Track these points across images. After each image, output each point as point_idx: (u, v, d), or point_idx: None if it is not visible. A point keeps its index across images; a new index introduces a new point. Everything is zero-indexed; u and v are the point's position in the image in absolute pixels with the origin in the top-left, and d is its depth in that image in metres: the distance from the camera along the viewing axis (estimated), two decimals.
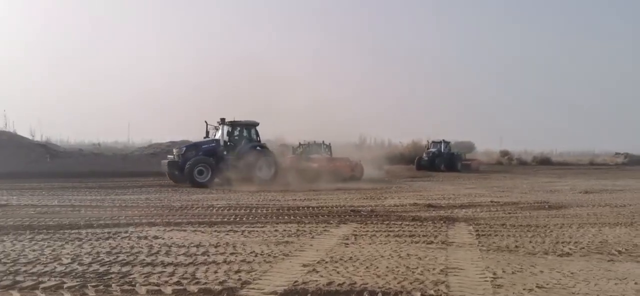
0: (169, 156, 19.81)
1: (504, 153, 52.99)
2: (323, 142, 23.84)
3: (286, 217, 9.61)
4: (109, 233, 7.49)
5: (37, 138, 26.86)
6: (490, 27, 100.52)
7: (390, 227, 8.54)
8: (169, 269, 5.40)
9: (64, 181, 18.24)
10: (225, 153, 18.76)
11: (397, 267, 5.62)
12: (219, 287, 4.73)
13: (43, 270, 5.25)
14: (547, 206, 12.26)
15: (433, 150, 36.48)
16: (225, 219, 9.19)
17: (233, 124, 19.54)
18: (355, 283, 4.93)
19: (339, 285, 4.86)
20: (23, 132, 26.12)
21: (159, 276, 5.08)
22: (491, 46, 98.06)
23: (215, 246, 6.60)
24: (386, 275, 5.26)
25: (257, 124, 20.00)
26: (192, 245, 6.69)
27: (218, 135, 19.13)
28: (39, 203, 11.10)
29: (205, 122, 19.31)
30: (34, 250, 6.19)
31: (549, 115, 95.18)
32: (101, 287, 4.69)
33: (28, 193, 13.26)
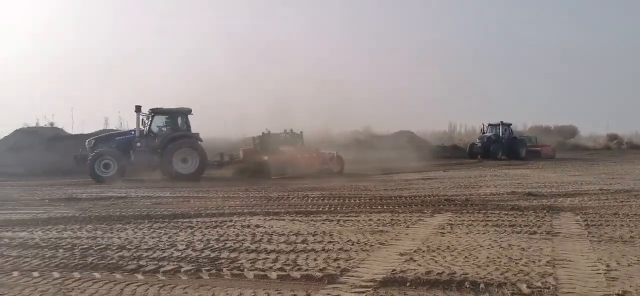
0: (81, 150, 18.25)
1: (612, 137, 48.46)
2: (291, 130, 20.31)
3: (379, 207, 9.67)
4: (216, 221, 8.07)
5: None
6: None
7: (488, 216, 8.28)
8: (272, 256, 5.72)
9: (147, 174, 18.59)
10: (139, 144, 17.15)
11: (498, 258, 5.47)
12: (320, 274, 4.94)
13: (162, 256, 5.81)
14: None
15: (489, 134, 31.36)
16: (320, 209, 9.46)
17: (156, 112, 17.78)
18: (454, 272, 4.88)
19: (438, 274, 4.85)
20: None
21: (264, 263, 5.41)
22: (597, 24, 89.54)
23: (313, 235, 6.85)
24: (487, 266, 5.14)
25: (189, 111, 18.09)
26: (291, 233, 7.00)
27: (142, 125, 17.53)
28: (153, 195, 12.20)
29: (136, 109, 17.19)
30: (152, 237, 6.85)
31: None
32: (214, 272, 5.10)
33: (143, 187, 14.60)
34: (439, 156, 30.34)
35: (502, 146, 30.14)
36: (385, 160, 23.86)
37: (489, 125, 31.84)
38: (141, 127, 17.32)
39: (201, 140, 18.18)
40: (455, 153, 32.90)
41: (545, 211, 8.81)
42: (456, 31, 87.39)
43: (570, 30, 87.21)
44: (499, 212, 8.83)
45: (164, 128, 17.93)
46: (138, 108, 17.15)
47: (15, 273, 5.13)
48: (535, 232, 6.91)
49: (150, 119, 17.70)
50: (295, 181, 15.98)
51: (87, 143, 17.88)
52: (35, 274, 5.08)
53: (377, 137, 33.79)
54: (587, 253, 5.63)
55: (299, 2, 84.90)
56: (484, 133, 31.78)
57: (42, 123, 27.81)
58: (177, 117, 18.06)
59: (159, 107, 17.89)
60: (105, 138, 18.15)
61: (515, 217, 8.20)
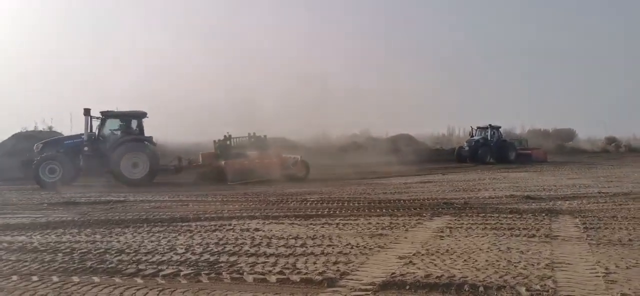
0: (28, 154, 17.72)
1: (611, 140, 48.54)
2: (254, 133, 19.56)
3: (378, 210, 9.69)
4: (215, 225, 8.07)
5: None
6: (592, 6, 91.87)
7: (487, 220, 8.29)
8: (272, 259, 5.72)
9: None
10: (86, 148, 16.74)
11: (497, 261, 5.48)
12: (319, 277, 4.94)
13: (161, 259, 5.80)
14: None
15: (477, 137, 30.60)
16: (319, 212, 9.47)
17: (107, 115, 17.31)
18: (454, 276, 4.89)
19: (437, 277, 4.85)
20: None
21: (263, 266, 5.41)
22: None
23: (312, 239, 6.86)
24: (486, 269, 5.15)
25: (144, 115, 17.67)
26: (291, 237, 7.00)
27: (94, 128, 17.10)
28: (152, 199, 12.20)
29: (85, 112, 16.82)
30: (152, 241, 6.85)
31: None
32: (213, 275, 5.10)
33: (142, 190, 14.58)
34: (434, 159, 30.37)
35: (491, 150, 29.66)
36: (374, 164, 23.84)
37: (478, 128, 31.32)
38: (89, 130, 16.90)
39: (154, 144, 17.82)
40: (453, 156, 32.92)
41: (544, 214, 8.83)
42: (455, 34, 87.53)
43: (568, 33, 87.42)
44: (497, 215, 8.85)
45: (116, 132, 17.53)
46: (87, 112, 16.79)
47: (15, 277, 5.12)
48: (534, 235, 6.92)
49: (101, 122, 17.29)
50: (253, 186, 15.70)
51: (35, 147, 17.36)
52: (35, 278, 5.07)
53: (375, 140, 33.83)
54: (586, 256, 5.65)
55: (294, 3, 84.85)
56: (472, 136, 31.24)
57: (40, 127, 27.82)
58: (129, 120, 17.65)
59: (110, 110, 17.45)
60: (54, 142, 17.71)
61: (514, 220, 8.21)
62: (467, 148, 30.15)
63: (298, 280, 4.90)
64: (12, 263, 5.71)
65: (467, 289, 4.49)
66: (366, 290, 4.53)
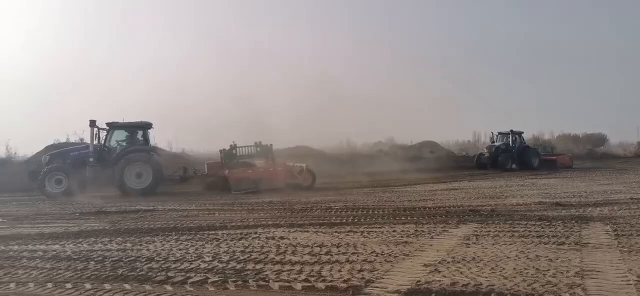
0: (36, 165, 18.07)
1: None
2: (259, 142, 19.36)
3: (403, 218, 9.64)
4: (241, 233, 8.18)
5: (174, 149, 29.79)
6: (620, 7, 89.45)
7: (515, 227, 8.16)
8: (297, 267, 5.77)
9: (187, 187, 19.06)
10: (91, 159, 16.98)
11: (525, 269, 5.40)
12: (344, 285, 4.96)
13: (189, 267, 5.92)
14: None
15: (498, 143, 29.57)
16: (344, 220, 9.49)
17: (113, 126, 17.65)
18: (480, 284, 4.85)
19: (463, 285, 4.82)
20: (162, 144, 29.09)
21: (289, 274, 5.46)
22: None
23: (337, 246, 6.88)
24: (514, 277, 5.08)
25: (149, 126, 17.95)
26: (315, 245, 7.04)
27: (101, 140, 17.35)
28: (180, 208, 12.44)
29: (91, 123, 17.09)
30: (180, 249, 7.00)
31: None
32: (240, 283, 5.18)
33: (171, 200, 14.87)
34: (453, 167, 29.68)
35: (512, 156, 28.78)
36: (390, 172, 23.54)
37: (499, 133, 30.40)
38: (95, 141, 17.16)
39: (159, 155, 17.96)
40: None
41: (573, 221, 8.64)
42: (483, 39, 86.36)
43: (600, 36, 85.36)
44: (526, 222, 8.70)
45: (122, 143, 17.75)
46: (92, 123, 17.02)
47: (50, 285, 5.31)
48: (563, 243, 6.79)
49: (107, 133, 17.57)
50: (257, 196, 15.60)
51: (43, 158, 17.67)
52: (68, 285, 5.25)
53: (399, 148, 33.66)
54: (617, 264, 5.51)
55: (311, 12, 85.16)
56: (493, 142, 30.30)
57: (72, 139, 28.66)
58: (135, 131, 17.88)
59: (115, 121, 17.73)
60: (61, 153, 17.94)
61: (542, 228, 8.06)
62: (487, 154, 29.33)
63: (323, 287, 4.93)
64: (47, 271, 5.92)
65: None
66: None
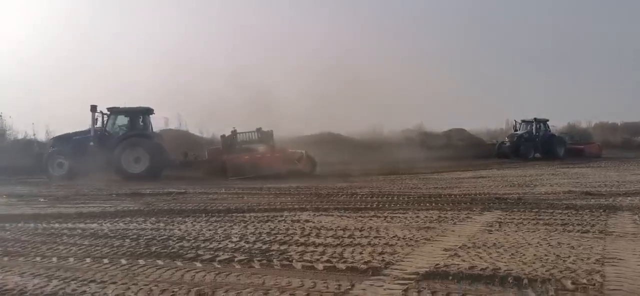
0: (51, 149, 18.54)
1: None
2: (260, 129, 19.31)
3: (427, 204, 9.72)
4: (268, 216, 8.45)
5: (205, 135, 30.40)
6: None
7: (540, 215, 8.14)
8: (320, 249, 5.97)
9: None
10: (92, 144, 17.31)
11: (545, 255, 5.44)
12: (365, 266, 5.14)
13: (218, 246, 6.21)
14: None
15: (521, 132, 28.46)
16: (368, 205, 9.64)
17: (114, 111, 17.94)
18: (498, 268, 4.94)
19: (481, 269, 4.91)
20: (193, 130, 29.81)
21: (312, 255, 5.67)
22: None
23: (360, 230, 7.05)
24: (533, 263, 5.14)
25: (150, 111, 18.26)
26: (339, 228, 7.23)
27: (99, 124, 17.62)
28: (209, 191, 12.85)
29: (92, 108, 17.38)
30: (209, 230, 7.31)
31: None
32: (265, 262, 5.42)
33: (201, 183, 15.33)
34: (488, 154, 28.91)
35: (535, 145, 27.66)
36: (405, 160, 23.16)
37: (522, 121, 29.15)
38: (95, 126, 17.48)
39: (160, 139, 18.21)
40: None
41: (601, 210, 8.54)
42: (518, 27, 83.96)
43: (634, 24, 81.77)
44: (552, 210, 8.65)
45: (123, 128, 18.04)
46: (93, 108, 17.32)
47: (88, 260, 5.68)
48: (588, 231, 6.76)
49: (108, 118, 17.89)
50: (254, 181, 15.67)
51: (48, 142, 18.41)
52: (106, 261, 5.60)
53: (428, 136, 33.39)
54: None
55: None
56: (516, 130, 29.04)
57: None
58: (136, 116, 18.13)
59: (116, 106, 18.04)
60: (64, 137, 18.37)
61: (568, 216, 8.01)
62: (508, 143, 28.23)
63: (344, 268, 5.12)
64: (86, 247, 6.31)
65: (511, 281, 4.53)
66: (409, 279, 4.67)
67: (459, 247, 5.88)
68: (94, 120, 17.56)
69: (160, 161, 17.97)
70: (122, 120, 18.35)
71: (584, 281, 4.48)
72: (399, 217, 8.20)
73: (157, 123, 19.66)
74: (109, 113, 18.05)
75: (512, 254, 5.53)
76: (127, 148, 17.41)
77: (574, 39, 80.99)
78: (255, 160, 18.19)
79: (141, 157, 17.42)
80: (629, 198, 10.19)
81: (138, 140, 17.82)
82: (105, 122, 18.00)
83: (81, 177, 16.85)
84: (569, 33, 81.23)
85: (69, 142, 17.88)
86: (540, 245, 5.97)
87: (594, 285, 4.38)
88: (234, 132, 19.24)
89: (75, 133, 18.33)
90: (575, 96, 72.93)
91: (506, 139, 28.91)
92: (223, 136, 19.46)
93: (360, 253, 5.72)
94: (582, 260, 5.23)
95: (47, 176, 17.11)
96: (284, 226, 7.51)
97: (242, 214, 8.78)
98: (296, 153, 18.93)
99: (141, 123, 18.38)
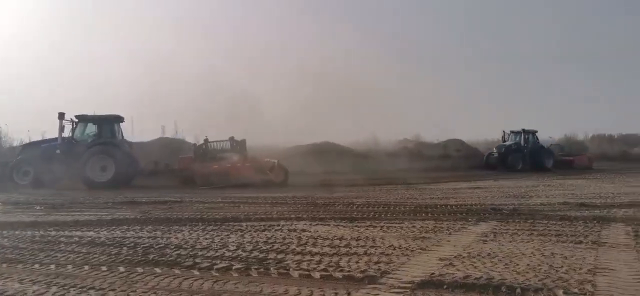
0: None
1: None
2: (233, 138, 19.21)
3: (423, 214, 9.79)
4: (264, 225, 8.50)
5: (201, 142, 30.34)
6: None
7: (534, 226, 8.23)
8: (316, 258, 6.03)
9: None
10: (58, 152, 17.10)
11: (539, 265, 5.52)
12: (361, 275, 5.20)
13: (215, 255, 6.25)
14: None
15: (509, 142, 28.25)
16: (365, 215, 9.70)
17: (81, 119, 17.80)
18: (492, 277, 5.01)
19: (475, 279, 4.99)
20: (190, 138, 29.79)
21: (308, 264, 5.73)
22: None
23: (356, 240, 7.11)
24: (526, 272, 5.22)
25: (119, 119, 18.13)
26: (336, 238, 7.29)
27: (67, 132, 17.49)
28: (206, 200, 12.88)
29: (59, 116, 17.13)
30: (206, 238, 7.35)
31: None
32: (262, 270, 5.47)
33: (198, 192, 15.36)
34: (484, 165, 28.92)
35: (523, 156, 27.47)
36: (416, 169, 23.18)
37: (511, 132, 28.97)
38: (63, 134, 17.32)
39: (129, 148, 18.14)
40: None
41: (595, 221, 8.63)
42: (517, 38, 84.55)
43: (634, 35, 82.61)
44: (546, 221, 8.73)
45: (92, 136, 17.91)
46: (61, 115, 17.12)
47: (86, 267, 5.72)
48: (581, 241, 6.85)
49: (76, 126, 17.73)
50: (223, 191, 15.73)
51: (18, 150, 18.17)
52: (104, 268, 5.64)
53: (425, 146, 33.54)
54: (632, 263, 5.57)
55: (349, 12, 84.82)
56: (504, 141, 28.88)
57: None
58: (104, 124, 17.97)
59: (84, 113, 17.92)
60: (33, 145, 18.25)
61: (562, 227, 8.10)
62: (496, 154, 28.06)
63: (340, 276, 5.18)
64: (83, 255, 6.35)
65: (504, 290, 4.60)
66: (404, 288, 4.74)
67: (454, 257, 5.95)
68: (61, 128, 17.36)
69: (128, 170, 17.81)
70: (91, 128, 18.21)
71: (576, 290, 4.56)
72: (395, 226, 8.27)
73: (153, 131, 19.66)
74: (77, 120, 17.89)
75: (506, 264, 5.60)
76: (93, 156, 17.28)
77: (574, 46, 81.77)
78: (224, 170, 18.17)
79: (107, 165, 17.27)
80: (623, 209, 10.28)
81: (105, 149, 17.64)
82: (72, 130, 17.83)
83: (46, 185, 16.60)
84: (567, 41, 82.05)
85: (36, 150, 17.67)
86: (534, 255, 6.04)
87: (585, 294, 4.46)
88: (206, 141, 19.22)
89: (44, 141, 18.16)
90: (573, 108, 73.60)
91: (494, 150, 28.71)
92: (195, 144, 19.36)
93: (357, 262, 5.78)
94: (574, 270, 5.30)
95: (12, 184, 16.81)
96: (280, 235, 7.56)
97: (238, 223, 8.83)
98: (268, 162, 18.86)
99: (110, 132, 18.24)
